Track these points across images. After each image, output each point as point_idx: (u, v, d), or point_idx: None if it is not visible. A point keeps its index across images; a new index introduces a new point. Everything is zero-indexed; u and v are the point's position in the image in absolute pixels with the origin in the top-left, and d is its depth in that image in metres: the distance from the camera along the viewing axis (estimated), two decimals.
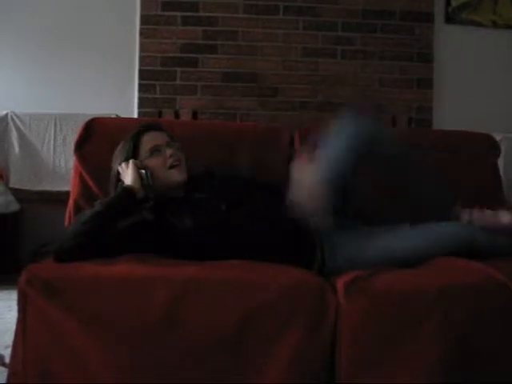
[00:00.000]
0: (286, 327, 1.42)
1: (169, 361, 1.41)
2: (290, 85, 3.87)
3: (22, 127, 3.51)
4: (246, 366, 1.41)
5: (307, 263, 1.64)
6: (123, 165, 1.80)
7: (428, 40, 3.93)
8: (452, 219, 1.80)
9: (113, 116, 3.25)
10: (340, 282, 1.49)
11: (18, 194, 3.31)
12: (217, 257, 1.60)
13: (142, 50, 3.80)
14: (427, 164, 1.92)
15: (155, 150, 1.84)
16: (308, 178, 1.62)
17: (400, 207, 1.82)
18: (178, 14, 3.81)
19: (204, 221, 1.70)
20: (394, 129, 1.77)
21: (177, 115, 3.75)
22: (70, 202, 2.05)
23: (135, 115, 3.74)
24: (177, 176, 1.83)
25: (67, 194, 2.13)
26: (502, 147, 2.59)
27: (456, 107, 3.89)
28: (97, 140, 2.10)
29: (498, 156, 2.35)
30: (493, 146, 2.34)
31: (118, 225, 1.64)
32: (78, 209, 2.00)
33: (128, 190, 1.72)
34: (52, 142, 3.52)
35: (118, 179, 1.80)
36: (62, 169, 3.47)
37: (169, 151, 1.84)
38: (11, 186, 3.39)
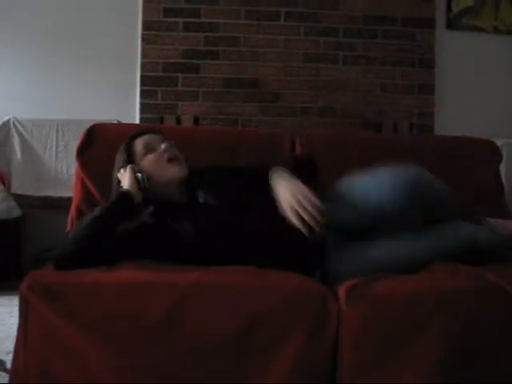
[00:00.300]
0: (287, 333, 1.42)
1: (169, 366, 1.41)
2: (291, 90, 3.88)
3: (24, 133, 3.52)
4: (248, 370, 1.41)
5: (310, 271, 1.63)
6: (122, 171, 1.80)
7: (429, 46, 3.94)
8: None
9: (114, 122, 3.26)
10: (341, 288, 1.49)
11: (20, 199, 3.31)
12: (218, 263, 1.59)
13: (143, 55, 3.81)
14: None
15: (149, 149, 1.83)
16: (287, 195, 1.65)
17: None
18: (180, 20, 3.82)
19: (205, 228, 1.70)
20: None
21: (178, 121, 3.75)
22: (72, 207, 2.05)
23: (137, 121, 3.75)
24: (177, 170, 1.82)
25: (69, 199, 2.14)
26: (504, 153, 2.60)
27: (457, 113, 3.89)
28: (98, 146, 2.10)
29: (500, 162, 2.35)
30: (494, 152, 2.34)
31: (117, 229, 1.64)
32: (79, 214, 2.00)
33: (124, 195, 1.72)
34: (54, 147, 3.53)
35: (120, 186, 1.80)
36: (63, 175, 3.48)
37: (163, 145, 1.82)
38: (13, 191, 3.39)
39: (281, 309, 1.44)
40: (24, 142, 3.51)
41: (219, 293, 1.45)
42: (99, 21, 3.82)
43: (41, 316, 1.41)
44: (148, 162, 1.81)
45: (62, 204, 2.56)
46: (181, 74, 3.82)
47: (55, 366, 1.41)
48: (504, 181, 2.37)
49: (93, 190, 2.03)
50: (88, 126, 2.17)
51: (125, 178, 1.77)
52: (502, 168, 2.44)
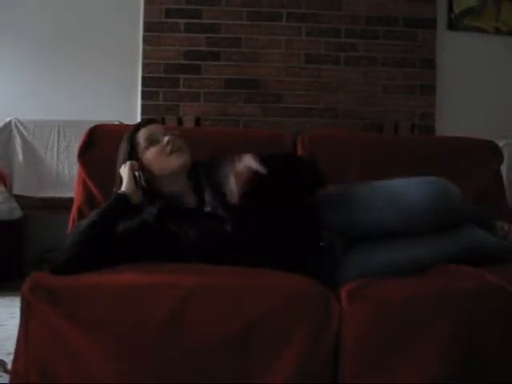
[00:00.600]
0: (289, 333, 1.42)
1: (170, 367, 1.41)
2: (292, 91, 3.88)
3: (25, 134, 3.53)
4: (250, 371, 1.41)
5: (315, 274, 1.62)
6: (123, 166, 1.76)
7: (431, 46, 3.93)
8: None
9: (116, 123, 3.26)
10: (343, 290, 1.50)
11: (22, 200, 3.31)
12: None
13: (145, 57, 3.82)
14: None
15: (152, 140, 1.77)
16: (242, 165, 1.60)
17: None
18: (181, 21, 3.82)
19: (209, 237, 1.66)
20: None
21: (180, 122, 3.75)
22: (74, 208, 2.05)
23: None
24: (177, 160, 1.75)
25: (70, 200, 2.14)
26: (505, 153, 2.59)
27: (459, 113, 3.89)
28: (100, 147, 2.10)
29: (501, 162, 2.34)
30: (495, 153, 2.34)
31: (116, 230, 1.62)
32: (81, 215, 2.00)
33: (121, 196, 1.69)
34: (55, 148, 3.53)
35: (120, 185, 1.78)
36: (65, 175, 3.48)
37: (166, 138, 1.76)
38: (15, 192, 3.40)
39: (282, 309, 1.44)
40: (25, 143, 3.52)
41: (221, 294, 1.45)
42: (100, 22, 3.82)
43: (42, 317, 1.41)
44: (150, 155, 1.76)
45: (64, 205, 2.57)
46: (182, 75, 3.83)
47: (56, 368, 1.41)
48: (505, 181, 2.37)
49: (94, 190, 2.03)
50: (89, 126, 2.17)
51: (124, 176, 1.74)
52: (503, 168, 2.44)
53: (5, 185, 3.34)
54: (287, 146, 2.23)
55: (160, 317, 1.41)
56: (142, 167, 1.75)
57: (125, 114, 3.62)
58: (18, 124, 3.53)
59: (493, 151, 2.33)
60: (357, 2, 3.89)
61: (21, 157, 3.49)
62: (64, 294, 1.43)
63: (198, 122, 3.77)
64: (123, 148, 1.81)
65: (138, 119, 3.76)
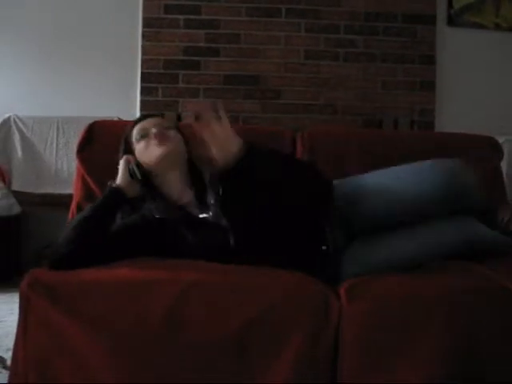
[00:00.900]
0: (288, 331, 1.41)
1: (170, 363, 1.41)
2: (292, 87, 3.87)
3: (24, 130, 3.52)
4: (249, 368, 1.41)
5: (314, 272, 1.61)
6: (120, 162, 1.74)
7: (430, 42, 3.93)
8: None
9: (115, 119, 3.25)
10: (342, 287, 1.50)
11: (21, 196, 3.31)
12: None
13: (144, 52, 3.81)
14: None
15: (142, 135, 1.74)
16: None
17: None
18: (181, 17, 3.82)
19: (209, 247, 1.61)
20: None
21: (179, 118, 3.75)
22: (73, 204, 2.05)
23: None
24: (158, 150, 1.70)
25: (69, 196, 2.14)
26: (505, 150, 2.59)
27: (458, 110, 3.89)
28: (99, 143, 2.10)
29: (501, 159, 2.34)
30: (495, 149, 2.34)
31: (114, 223, 1.61)
32: (80, 211, 1.99)
33: (115, 190, 1.67)
34: (54, 144, 3.53)
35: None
36: (64, 172, 3.48)
37: (153, 129, 1.72)
38: (14, 188, 3.40)
39: (282, 307, 1.43)
40: (24, 139, 3.51)
41: (220, 290, 1.45)
42: (99, 18, 3.82)
43: (41, 314, 1.41)
44: (139, 149, 1.74)
45: (63, 201, 2.57)
46: (181, 71, 3.82)
47: (55, 364, 1.40)
48: (505, 177, 2.36)
49: (93, 186, 2.03)
50: (88, 122, 2.17)
51: (119, 169, 1.72)
52: (503, 164, 2.43)
53: (4, 181, 3.34)
54: (286, 142, 2.23)
55: (160, 313, 1.41)
56: (138, 161, 1.73)
57: (124, 110, 3.61)
58: (17, 120, 3.53)
59: (493, 147, 2.32)
60: None
61: (20, 153, 3.49)
62: (63, 290, 1.43)
63: (197, 118, 3.75)
64: (121, 144, 1.80)
65: (137, 115, 3.75)
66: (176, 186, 1.75)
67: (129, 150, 1.77)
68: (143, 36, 3.81)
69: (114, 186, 1.69)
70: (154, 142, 1.72)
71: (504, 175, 2.36)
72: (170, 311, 1.41)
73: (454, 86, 3.93)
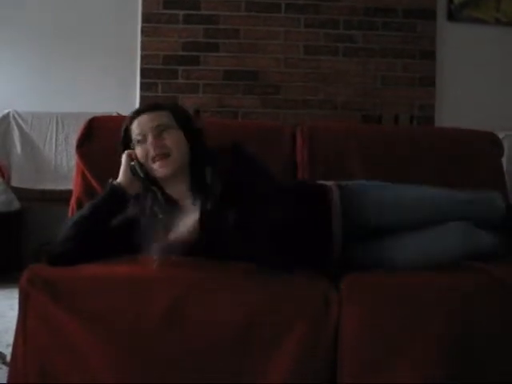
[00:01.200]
0: (289, 327, 1.42)
1: (170, 361, 1.41)
2: (291, 83, 3.86)
3: (23, 126, 3.52)
4: (249, 366, 1.41)
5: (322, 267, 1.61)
6: (123, 156, 1.70)
7: (430, 37, 3.92)
8: None
9: (114, 114, 3.24)
10: (343, 283, 1.50)
11: (20, 192, 3.30)
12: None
13: (143, 48, 3.80)
14: None
15: (140, 139, 1.68)
16: None
17: None
18: (180, 12, 3.80)
19: (211, 238, 1.60)
20: None
21: None
22: (73, 200, 2.05)
23: None
24: (159, 172, 1.66)
25: (69, 192, 2.13)
26: (505, 145, 2.58)
27: (458, 105, 3.88)
28: (98, 138, 2.09)
29: (502, 154, 2.34)
30: (496, 144, 2.33)
31: (115, 220, 1.61)
32: (80, 207, 1.98)
33: (115, 188, 1.65)
34: (54, 140, 3.52)
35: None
36: (63, 167, 3.47)
37: (150, 139, 1.66)
38: (13, 184, 3.39)
39: (281, 306, 1.44)
40: (24, 134, 3.51)
41: (220, 287, 1.45)
42: (99, 13, 3.80)
43: (40, 309, 1.41)
44: (138, 153, 1.68)
45: (62, 197, 2.56)
46: (181, 67, 3.81)
47: (54, 359, 1.41)
48: (505, 173, 2.36)
49: (93, 182, 2.02)
50: (88, 118, 2.16)
51: (121, 166, 1.68)
52: (504, 161, 2.43)
53: (3, 176, 3.33)
54: (286, 137, 2.22)
55: (160, 310, 1.41)
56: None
57: (123, 106, 3.57)
58: (16, 116, 3.52)
59: (493, 143, 2.32)
60: None
61: (19, 149, 3.48)
62: (63, 286, 1.43)
63: (196, 113, 3.75)
64: (121, 138, 1.74)
65: None
66: (179, 187, 1.71)
67: (129, 142, 1.72)
68: (142, 31, 3.80)
69: (114, 183, 1.66)
70: (151, 154, 1.66)
71: (504, 170, 2.36)
72: (171, 307, 1.41)
73: (454, 81, 3.92)
